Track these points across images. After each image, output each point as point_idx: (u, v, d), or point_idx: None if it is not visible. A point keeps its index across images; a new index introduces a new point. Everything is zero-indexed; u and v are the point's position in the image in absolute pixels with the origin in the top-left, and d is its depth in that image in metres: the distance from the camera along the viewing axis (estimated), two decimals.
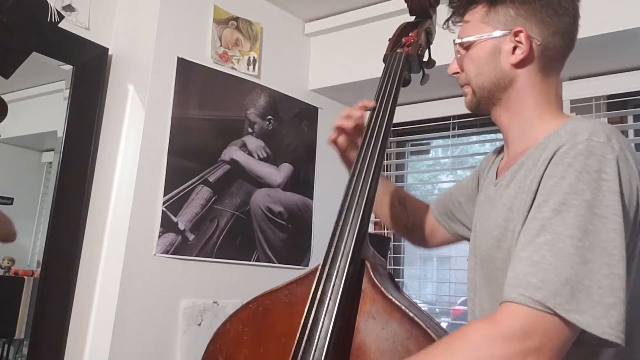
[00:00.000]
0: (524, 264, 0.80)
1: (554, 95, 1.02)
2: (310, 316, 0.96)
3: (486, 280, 1.00)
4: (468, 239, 1.29)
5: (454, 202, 1.29)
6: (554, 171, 0.84)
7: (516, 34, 0.97)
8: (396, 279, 1.13)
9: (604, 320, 0.75)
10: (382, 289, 0.97)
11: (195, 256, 1.88)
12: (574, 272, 0.77)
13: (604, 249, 0.78)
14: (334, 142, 1.25)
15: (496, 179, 1.05)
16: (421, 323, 0.91)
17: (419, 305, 1.07)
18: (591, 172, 0.81)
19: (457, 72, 1.06)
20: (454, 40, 1.05)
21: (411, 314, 0.92)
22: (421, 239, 1.40)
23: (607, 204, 0.80)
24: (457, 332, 0.83)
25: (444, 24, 1.12)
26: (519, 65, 0.98)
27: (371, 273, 1.00)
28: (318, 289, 0.98)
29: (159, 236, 1.78)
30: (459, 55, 1.05)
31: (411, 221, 1.37)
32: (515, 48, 0.97)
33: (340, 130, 1.23)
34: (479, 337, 0.78)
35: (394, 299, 0.96)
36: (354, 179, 1.10)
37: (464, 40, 1.02)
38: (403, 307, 0.94)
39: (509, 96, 1.00)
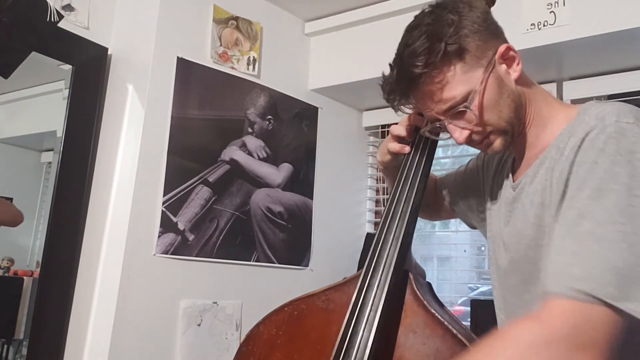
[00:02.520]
0: (565, 255, 0.77)
1: (541, 87, 1.01)
2: (349, 326, 0.93)
3: (520, 283, 0.95)
4: (470, 226, 1.26)
5: (459, 194, 1.25)
6: (585, 157, 0.81)
7: (504, 54, 0.94)
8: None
9: None
10: (425, 302, 0.94)
11: (195, 256, 1.87)
12: (622, 258, 0.73)
13: None
14: (401, 152, 1.12)
15: (514, 181, 1.01)
16: (465, 341, 0.87)
17: (458, 319, 1.03)
18: (625, 154, 0.78)
19: (470, 134, 0.96)
20: (454, 112, 0.94)
21: (454, 331, 0.89)
22: (431, 215, 1.38)
23: None
24: (501, 334, 0.78)
25: (397, 107, 1.01)
26: (519, 77, 0.96)
27: (414, 285, 0.97)
28: (359, 298, 0.95)
29: (159, 236, 1.78)
30: (463, 121, 0.95)
31: (425, 202, 1.29)
32: (507, 66, 0.95)
33: (404, 140, 1.11)
34: (526, 339, 0.73)
35: (436, 314, 0.92)
36: (400, 184, 1.05)
37: (470, 98, 0.92)
38: (446, 323, 0.91)
39: (526, 109, 0.97)
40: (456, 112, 0.94)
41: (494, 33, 0.96)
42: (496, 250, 1.04)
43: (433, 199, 1.32)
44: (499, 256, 1.03)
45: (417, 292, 0.96)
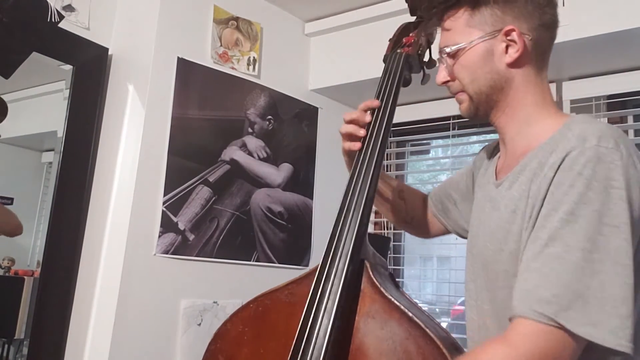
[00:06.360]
0: (535, 277, 0.80)
1: (547, 91, 1.01)
2: (309, 316, 0.96)
3: (487, 282, 0.99)
4: (460, 235, 1.29)
5: (450, 199, 1.28)
6: (563, 178, 0.82)
7: (508, 33, 0.95)
8: (396, 279, 1.13)
9: (620, 332, 0.75)
10: (382, 289, 0.97)
11: (195, 256, 1.88)
12: (586, 285, 0.76)
13: (614, 259, 0.78)
14: (351, 149, 1.16)
15: (496, 179, 1.04)
16: (420, 323, 0.91)
17: (420, 305, 1.07)
18: (600, 179, 0.80)
19: (447, 81, 1.03)
20: (441, 50, 1.02)
21: (410, 314, 0.93)
22: (420, 231, 1.40)
23: (616, 213, 0.79)
24: (470, 355, 0.83)
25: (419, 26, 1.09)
26: (514, 64, 0.96)
27: (370, 273, 1.00)
28: (317, 289, 0.98)
29: (159, 236, 1.78)
30: (446, 64, 1.02)
31: (410, 215, 1.36)
32: (507, 47, 0.96)
33: (354, 137, 1.16)
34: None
35: (393, 299, 0.96)
36: (354, 179, 1.09)
37: (454, 48, 0.98)
38: (402, 307, 0.94)
39: (506, 97, 0.98)
40: (443, 52, 1.01)
41: (521, 15, 0.96)
42: (473, 241, 1.08)
43: (422, 212, 1.35)
44: (474, 245, 1.06)
45: (374, 279, 0.99)
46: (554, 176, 0.84)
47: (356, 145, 1.14)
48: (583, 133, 0.85)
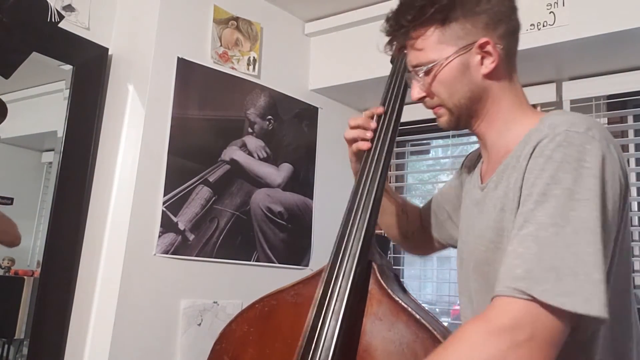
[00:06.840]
0: (511, 258, 0.81)
1: (521, 93, 1.03)
2: (317, 317, 0.96)
3: (483, 284, 0.98)
4: (454, 246, 1.28)
5: (443, 211, 1.28)
6: (535, 165, 0.85)
7: (482, 46, 0.96)
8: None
9: (593, 299, 0.75)
10: (389, 291, 0.98)
11: (195, 256, 1.88)
12: (559, 258, 0.77)
13: (587, 229, 0.78)
14: (360, 148, 1.16)
15: (481, 182, 1.05)
16: (428, 325, 0.91)
17: (424, 306, 1.08)
18: (571, 161, 0.81)
19: (423, 97, 1.04)
20: (415, 69, 1.02)
21: (418, 316, 0.93)
22: (419, 245, 1.40)
23: (587, 188, 0.80)
24: (453, 334, 0.83)
25: (387, 49, 1.08)
26: (490, 74, 0.98)
27: (378, 275, 1.00)
28: (325, 290, 0.98)
29: (159, 236, 1.78)
30: (423, 82, 1.02)
31: (410, 230, 1.36)
32: (482, 58, 0.97)
33: (359, 140, 1.16)
34: (473, 336, 0.79)
35: (400, 301, 0.96)
36: (362, 180, 1.09)
37: (430, 66, 0.98)
38: (410, 309, 0.94)
39: (484, 105, 1.00)
40: (416, 71, 1.01)
41: (492, 25, 0.97)
42: (462, 247, 1.08)
43: (417, 226, 1.35)
44: (464, 250, 1.06)
45: (381, 281, 0.99)
46: (527, 164, 0.86)
47: (366, 145, 1.14)
48: (554, 122, 0.87)
